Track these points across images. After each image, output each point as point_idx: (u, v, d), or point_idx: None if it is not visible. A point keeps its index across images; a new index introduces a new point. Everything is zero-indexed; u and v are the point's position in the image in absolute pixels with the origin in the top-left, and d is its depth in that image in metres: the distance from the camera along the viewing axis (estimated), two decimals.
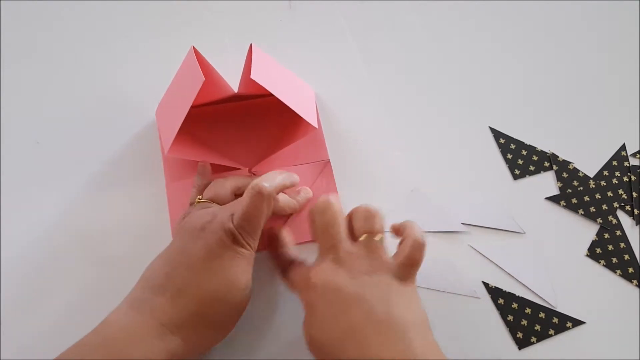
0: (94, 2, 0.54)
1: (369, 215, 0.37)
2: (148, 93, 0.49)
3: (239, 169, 0.45)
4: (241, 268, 0.36)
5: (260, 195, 0.36)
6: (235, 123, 0.48)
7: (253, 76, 0.37)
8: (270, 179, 0.38)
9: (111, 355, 0.32)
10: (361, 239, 0.37)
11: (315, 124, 0.41)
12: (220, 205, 0.39)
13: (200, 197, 0.40)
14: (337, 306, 0.34)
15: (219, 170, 0.44)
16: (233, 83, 0.46)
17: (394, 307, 0.33)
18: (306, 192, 0.44)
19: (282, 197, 0.41)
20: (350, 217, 0.39)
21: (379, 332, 0.32)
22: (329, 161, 0.46)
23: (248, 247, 0.36)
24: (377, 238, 0.37)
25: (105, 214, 0.45)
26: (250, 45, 0.40)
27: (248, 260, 0.36)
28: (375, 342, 0.32)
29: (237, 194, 0.41)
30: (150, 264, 0.37)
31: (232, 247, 0.35)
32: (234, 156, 0.46)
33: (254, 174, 0.45)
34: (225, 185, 0.40)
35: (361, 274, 0.35)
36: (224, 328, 0.37)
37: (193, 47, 0.39)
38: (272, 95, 0.39)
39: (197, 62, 0.38)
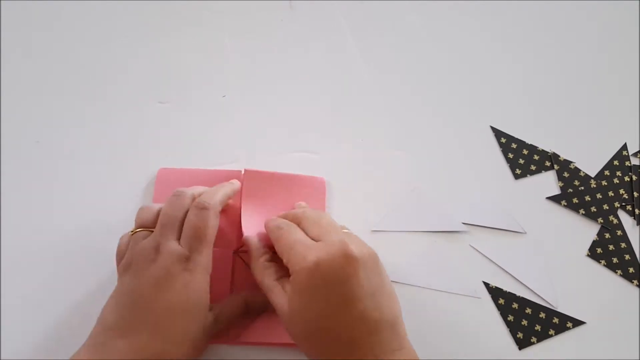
0: (94, 2, 0.54)
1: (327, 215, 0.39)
2: (149, 92, 0.49)
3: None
4: (199, 289, 0.35)
5: (206, 211, 0.36)
6: None
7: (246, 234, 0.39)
8: (212, 195, 0.38)
9: None
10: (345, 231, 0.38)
11: None
12: (151, 229, 0.38)
13: (132, 231, 0.38)
14: (348, 288, 0.32)
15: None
16: (233, 83, 0.46)
17: (392, 304, 0.34)
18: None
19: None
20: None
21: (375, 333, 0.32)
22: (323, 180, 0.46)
23: (203, 261, 0.36)
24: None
25: (106, 213, 0.44)
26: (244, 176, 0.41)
27: (204, 275, 0.35)
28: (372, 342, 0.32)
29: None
30: (105, 305, 0.36)
31: (187, 268, 0.35)
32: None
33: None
34: (151, 209, 0.39)
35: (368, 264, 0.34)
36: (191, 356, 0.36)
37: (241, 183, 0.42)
38: None
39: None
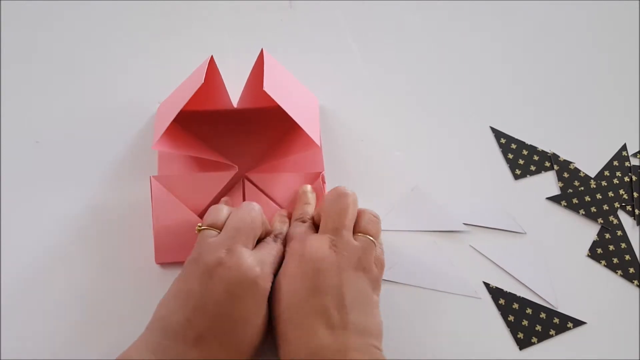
0: (95, 2, 0.54)
1: (374, 220, 0.39)
2: (148, 93, 0.49)
3: (231, 166, 0.44)
4: (260, 305, 0.35)
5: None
6: (236, 126, 0.48)
7: (266, 88, 0.37)
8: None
9: None
10: (360, 236, 0.38)
11: (319, 143, 0.41)
12: (219, 229, 0.38)
13: (200, 224, 0.39)
14: (313, 282, 0.35)
15: (209, 168, 0.44)
16: (233, 83, 0.46)
17: (361, 314, 0.35)
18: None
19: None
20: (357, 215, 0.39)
21: (332, 328, 0.33)
22: (322, 172, 0.45)
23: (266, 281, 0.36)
24: (375, 241, 0.38)
25: (106, 213, 0.44)
26: (262, 51, 0.40)
27: (265, 291, 0.36)
28: (322, 334, 0.33)
29: None
30: (164, 302, 0.35)
31: (260, 292, 0.35)
32: (231, 158, 0.46)
33: (247, 178, 0.45)
34: (222, 211, 0.39)
35: (349, 268, 0.36)
36: None
37: (212, 57, 0.40)
38: (274, 105, 0.38)
39: (206, 68, 0.38)
